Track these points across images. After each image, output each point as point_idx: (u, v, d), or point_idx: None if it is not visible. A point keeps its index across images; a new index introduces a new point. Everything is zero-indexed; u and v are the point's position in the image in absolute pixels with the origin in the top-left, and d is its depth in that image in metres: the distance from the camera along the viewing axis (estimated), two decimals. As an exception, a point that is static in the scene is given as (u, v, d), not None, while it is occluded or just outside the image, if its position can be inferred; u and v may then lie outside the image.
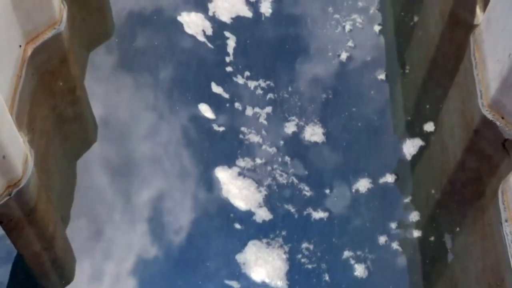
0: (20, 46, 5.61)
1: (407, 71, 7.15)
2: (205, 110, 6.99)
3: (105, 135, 6.89)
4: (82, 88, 6.84)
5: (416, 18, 7.48)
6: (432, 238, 6.31)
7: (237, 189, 6.54)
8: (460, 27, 6.28)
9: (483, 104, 5.57)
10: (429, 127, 6.77)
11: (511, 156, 5.39)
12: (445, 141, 6.33)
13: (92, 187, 6.61)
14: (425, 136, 6.78)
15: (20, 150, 5.22)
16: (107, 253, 6.29)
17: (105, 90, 7.14)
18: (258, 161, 6.69)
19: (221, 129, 6.91)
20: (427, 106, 6.89)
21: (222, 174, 6.62)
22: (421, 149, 6.73)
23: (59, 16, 5.94)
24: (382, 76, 7.21)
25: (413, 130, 6.87)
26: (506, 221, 5.12)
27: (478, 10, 6.07)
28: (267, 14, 7.63)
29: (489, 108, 5.52)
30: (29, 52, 5.72)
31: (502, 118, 5.45)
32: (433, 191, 6.42)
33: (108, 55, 7.38)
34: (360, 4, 7.77)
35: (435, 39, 6.70)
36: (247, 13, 7.60)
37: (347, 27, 7.54)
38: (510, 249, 5.01)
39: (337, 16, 7.64)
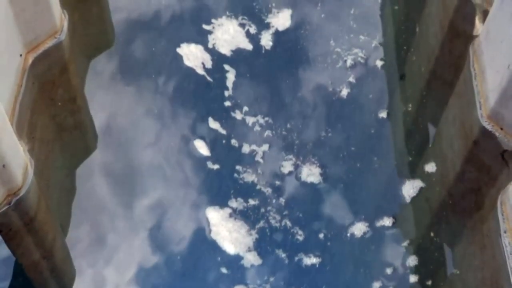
0: (20, 55, 5.63)
1: (409, 109, 6.98)
2: (200, 147, 6.80)
3: (105, 143, 6.88)
4: (82, 96, 6.86)
5: (419, 63, 7.28)
6: (429, 283, 6.17)
7: (227, 231, 6.35)
8: (459, 38, 6.30)
9: (482, 115, 5.59)
10: (430, 167, 6.54)
11: (510, 167, 5.40)
12: (444, 152, 6.33)
13: (93, 195, 6.61)
14: (425, 177, 6.57)
15: (20, 159, 5.23)
16: (107, 261, 6.28)
17: (106, 98, 7.14)
18: (252, 202, 6.50)
19: (216, 167, 6.70)
20: (429, 146, 6.69)
21: (213, 215, 6.43)
22: (421, 191, 6.53)
23: (60, 25, 5.97)
24: (383, 114, 6.99)
25: (414, 171, 6.67)
26: (505, 232, 5.13)
27: (477, 21, 6.08)
28: (268, 47, 7.44)
29: (488, 119, 5.53)
30: (29, 61, 5.74)
31: (501, 129, 5.47)
32: (432, 234, 6.30)
33: (108, 62, 7.38)
34: (362, 38, 7.53)
35: (434, 50, 6.72)
36: (247, 45, 7.41)
37: (349, 62, 7.32)
38: (509, 260, 5.02)
39: (338, 50, 7.42)
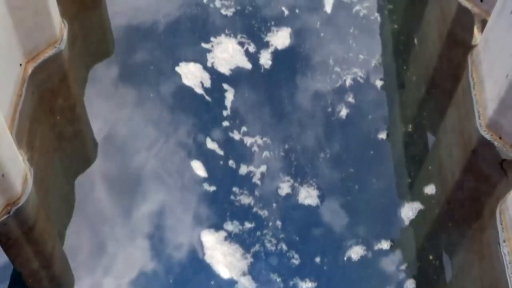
0: (20, 64, 5.64)
1: (410, 129, 6.88)
2: (198, 168, 6.72)
3: (105, 151, 6.87)
4: (82, 105, 6.86)
5: (418, 73, 7.26)
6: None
7: (222, 254, 6.25)
8: (458, 47, 6.32)
9: (481, 124, 5.60)
10: (430, 189, 6.47)
11: (509, 177, 5.41)
12: (443, 161, 6.34)
13: (91, 204, 6.60)
14: (425, 199, 6.48)
15: (19, 169, 5.24)
16: (107, 269, 6.26)
17: (105, 107, 7.14)
18: (247, 225, 6.41)
19: (212, 188, 6.61)
20: (430, 167, 6.61)
21: (208, 238, 6.34)
22: (420, 214, 6.43)
23: (60, 34, 5.99)
24: (383, 135, 6.92)
25: (413, 193, 6.59)
26: (504, 241, 5.12)
27: (476, 30, 6.11)
28: (267, 66, 7.38)
29: (487, 128, 5.54)
30: (29, 71, 5.75)
31: (500, 138, 5.48)
32: (431, 257, 6.23)
33: (108, 70, 7.39)
34: (361, 57, 7.47)
35: (433, 59, 6.74)
36: (246, 64, 7.37)
37: (348, 82, 7.25)
38: (508, 269, 5.01)
39: (337, 69, 7.36)
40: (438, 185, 6.40)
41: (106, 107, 7.13)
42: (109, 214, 6.55)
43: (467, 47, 6.13)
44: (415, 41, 7.38)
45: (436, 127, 6.72)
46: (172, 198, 6.61)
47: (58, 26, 5.92)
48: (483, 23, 6.01)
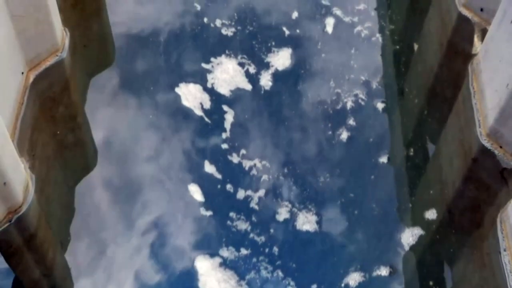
0: (22, 73, 5.66)
1: (411, 153, 6.79)
2: (195, 192, 6.64)
3: (105, 160, 6.88)
4: (83, 114, 6.88)
5: (422, 94, 7.11)
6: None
7: (216, 281, 6.15)
8: (458, 56, 6.33)
9: (481, 133, 5.61)
10: (430, 214, 6.39)
11: (509, 186, 5.41)
12: (444, 169, 6.35)
13: (92, 211, 6.60)
14: (425, 224, 6.41)
15: (21, 177, 5.24)
16: (108, 276, 6.26)
17: (106, 114, 7.15)
18: (243, 251, 6.31)
19: (209, 213, 6.53)
20: (431, 192, 6.53)
21: (202, 264, 6.24)
22: (421, 239, 6.34)
23: (61, 43, 6.00)
24: (384, 159, 6.83)
25: (414, 218, 6.50)
26: (504, 250, 5.13)
27: (476, 40, 6.13)
28: (267, 87, 7.29)
29: (487, 138, 5.55)
30: (31, 79, 5.77)
31: (500, 147, 5.49)
32: (431, 283, 6.15)
33: (109, 78, 7.39)
34: (362, 78, 7.41)
35: (433, 69, 6.76)
36: (246, 85, 7.29)
37: (349, 104, 7.16)
38: (509, 278, 5.02)
39: (338, 91, 7.27)
40: (438, 194, 6.40)
41: (107, 115, 7.15)
42: (110, 222, 6.56)
43: (468, 56, 6.15)
44: (415, 48, 7.39)
45: (436, 137, 6.73)
46: (168, 219, 6.56)
47: (60, 34, 5.93)
48: (483, 32, 6.03)
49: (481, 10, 6.10)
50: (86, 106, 7.04)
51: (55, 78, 6.01)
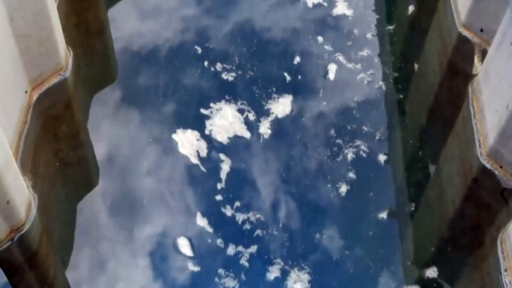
0: (26, 92, 5.69)
1: (412, 208, 6.54)
2: (183, 246, 6.43)
3: (107, 176, 6.88)
4: (85, 131, 6.91)
5: (427, 150, 6.89)
6: None
7: None
8: (458, 77, 6.38)
9: (481, 153, 5.64)
10: (431, 272, 6.17)
11: (509, 206, 5.44)
12: (444, 189, 6.37)
13: (94, 227, 6.60)
14: (425, 283, 6.16)
15: (24, 196, 5.27)
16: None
17: (108, 132, 7.17)
18: None
19: (196, 269, 6.30)
20: (432, 249, 6.34)
21: None
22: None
23: (65, 62, 6.05)
24: (383, 215, 6.56)
25: (412, 276, 6.27)
26: (505, 270, 5.14)
27: (476, 60, 6.17)
28: (266, 136, 7.04)
29: (487, 157, 5.58)
30: (34, 98, 5.80)
31: (501, 167, 5.51)
32: None
33: (111, 96, 7.38)
34: (365, 128, 7.11)
35: (434, 89, 6.80)
36: (245, 133, 7.05)
37: (350, 156, 6.88)
38: (510, 299, 5.03)
39: (339, 141, 6.99)
40: (438, 213, 6.42)
41: (108, 132, 7.18)
42: (111, 239, 6.57)
43: (468, 76, 6.19)
44: (423, 118, 7.09)
45: (437, 157, 6.75)
46: (169, 235, 6.50)
47: (63, 53, 5.98)
48: (484, 52, 6.07)
49: (481, 30, 6.15)
50: (88, 124, 7.07)
51: (58, 96, 6.05)
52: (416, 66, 7.46)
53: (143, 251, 6.52)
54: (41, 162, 5.95)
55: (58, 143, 6.35)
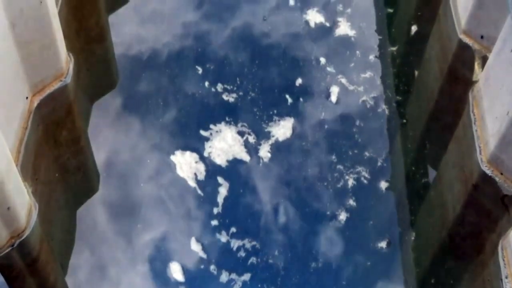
0: (27, 98, 5.69)
1: (413, 237, 6.44)
2: (176, 271, 6.35)
3: (107, 182, 6.89)
4: (85, 137, 6.92)
5: (431, 176, 6.71)
6: None
7: None
8: (459, 83, 6.38)
9: (482, 159, 5.63)
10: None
11: (510, 212, 5.44)
12: (444, 195, 6.37)
13: (94, 235, 6.62)
14: None
15: (24, 202, 5.27)
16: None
17: (108, 138, 7.18)
18: None
19: None
20: (432, 281, 6.21)
21: None
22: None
23: (66, 68, 6.04)
24: (383, 244, 6.48)
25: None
26: (506, 277, 5.13)
27: (476, 67, 6.17)
28: (266, 159, 6.95)
29: (488, 164, 5.58)
30: (35, 104, 5.80)
31: (501, 174, 5.51)
32: None
33: (111, 101, 7.39)
34: (367, 154, 7.00)
35: (434, 95, 6.80)
36: (244, 156, 6.97)
37: (350, 182, 6.77)
38: (511, 306, 5.03)
39: (340, 167, 6.88)
40: (439, 220, 6.41)
41: (109, 138, 7.19)
42: (111, 245, 6.56)
43: (468, 83, 6.19)
44: (427, 145, 6.97)
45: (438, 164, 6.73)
46: (169, 242, 6.47)
47: (64, 60, 5.98)
48: (484, 59, 6.07)
49: (482, 37, 6.15)
50: (88, 130, 7.08)
51: (59, 103, 6.05)
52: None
53: (142, 257, 6.53)
54: (42, 168, 5.95)
55: (58, 149, 6.35)
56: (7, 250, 5.22)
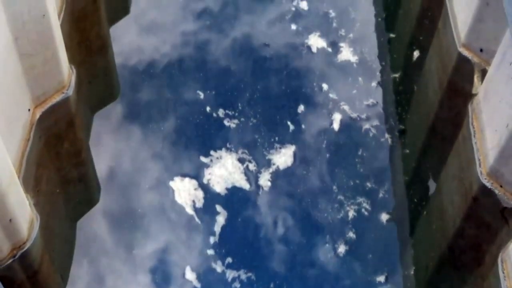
0: (29, 110, 5.72)
1: (411, 272, 6.27)
2: None
3: (108, 193, 6.89)
4: (87, 150, 6.94)
5: (432, 205, 6.58)
6: None
7: None
8: (458, 96, 6.41)
9: (481, 172, 5.65)
10: None
11: (510, 225, 5.45)
12: (444, 208, 6.39)
13: (95, 245, 6.63)
14: None
15: (26, 213, 5.28)
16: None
17: (110, 145, 7.19)
18: None
19: None
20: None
21: None
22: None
23: (68, 80, 6.07)
24: (381, 279, 6.36)
25: None
26: (506, 290, 5.16)
27: (476, 80, 6.20)
28: (266, 188, 6.86)
29: (487, 177, 5.60)
30: (37, 116, 5.83)
31: (501, 186, 5.53)
32: None
33: (113, 111, 7.41)
34: (368, 185, 6.89)
35: (434, 108, 6.83)
36: (244, 184, 6.87)
37: (351, 213, 6.65)
38: (511, 318, 5.03)
39: (341, 197, 6.75)
40: (439, 232, 6.43)
41: (110, 149, 7.21)
42: (112, 256, 6.57)
43: (468, 96, 6.22)
44: (430, 178, 6.85)
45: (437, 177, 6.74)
46: (170, 253, 6.44)
47: (66, 72, 6.01)
48: (483, 72, 6.10)
49: (481, 50, 6.19)
50: (89, 141, 7.10)
51: (60, 115, 6.08)
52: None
53: (143, 268, 6.53)
54: (43, 180, 5.97)
55: (60, 161, 6.37)
56: (8, 262, 5.23)
